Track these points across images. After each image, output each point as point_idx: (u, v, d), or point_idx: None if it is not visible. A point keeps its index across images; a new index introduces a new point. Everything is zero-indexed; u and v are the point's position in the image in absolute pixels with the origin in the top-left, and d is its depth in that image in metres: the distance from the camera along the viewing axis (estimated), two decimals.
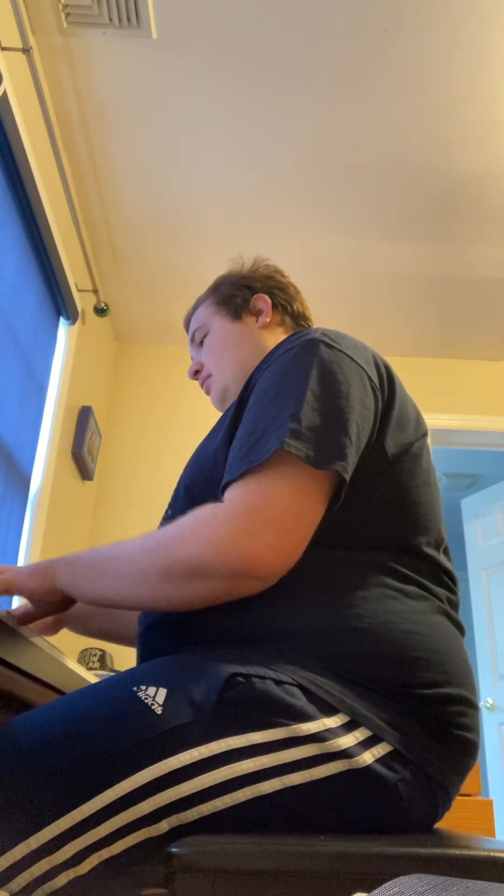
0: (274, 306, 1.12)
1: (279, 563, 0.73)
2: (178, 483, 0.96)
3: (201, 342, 1.14)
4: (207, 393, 1.13)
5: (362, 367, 0.84)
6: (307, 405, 0.78)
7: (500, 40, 2.14)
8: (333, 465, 0.75)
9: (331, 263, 3.10)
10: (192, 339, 1.15)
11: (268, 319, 1.10)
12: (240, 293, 1.12)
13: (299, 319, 1.14)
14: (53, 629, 1.13)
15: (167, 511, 0.96)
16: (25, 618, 0.93)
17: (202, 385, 1.13)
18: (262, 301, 1.11)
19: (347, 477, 0.76)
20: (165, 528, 0.78)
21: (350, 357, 0.84)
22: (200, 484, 0.88)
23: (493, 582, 3.97)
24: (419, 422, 0.91)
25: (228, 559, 0.72)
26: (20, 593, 0.87)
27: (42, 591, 0.86)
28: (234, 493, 0.76)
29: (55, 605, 0.88)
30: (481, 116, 2.39)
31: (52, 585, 0.85)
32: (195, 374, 1.14)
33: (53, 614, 0.92)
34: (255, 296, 1.12)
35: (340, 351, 0.84)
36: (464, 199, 2.73)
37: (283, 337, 1.08)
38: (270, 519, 0.73)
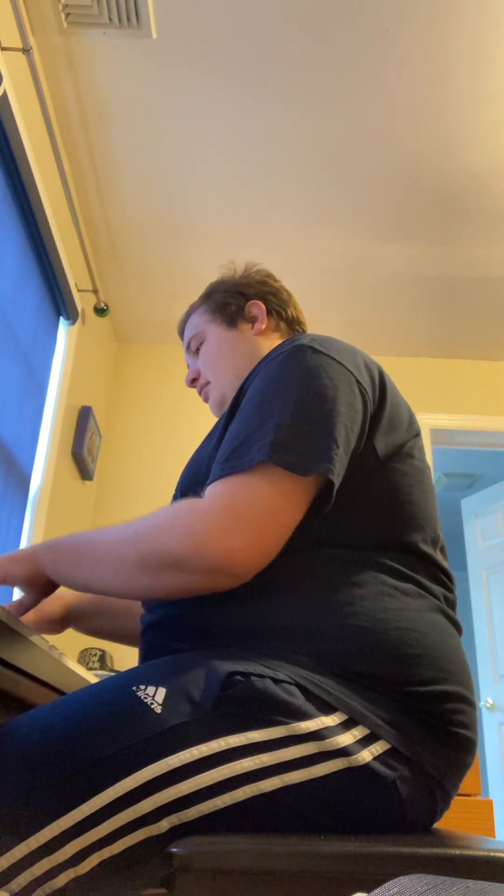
0: (268, 312, 1.12)
1: (254, 561, 0.74)
2: (176, 489, 0.96)
3: (197, 350, 1.14)
4: (206, 400, 1.14)
5: (350, 371, 0.85)
6: (292, 412, 0.79)
7: (500, 40, 2.14)
8: (318, 470, 0.75)
9: (330, 263, 3.10)
10: (188, 347, 1.16)
11: (263, 326, 1.10)
12: (234, 300, 1.13)
13: (294, 324, 1.15)
14: (59, 628, 1.13)
15: None
16: (18, 609, 0.94)
17: (200, 392, 1.14)
18: (257, 307, 1.12)
19: (334, 478, 0.76)
20: (145, 518, 0.79)
21: (337, 361, 0.85)
22: (195, 489, 0.88)
23: (493, 582, 3.97)
24: (412, 422, 0.92)
25: (205, 554, 0.72)
26: (3, 580, 0.87)
27: (25, 576, 0.87)
28: (214, 490, 0.77)
29: (39, 589, 0.89)
30: (481, 116, 2.39)
31: (35, 570, 0.86)
32: (192, 381, 1.15)
33: (41, 599, 0.92)
34: (250, 302, 1.12)
35: (327, 356, 0.85)
36: (464, 200, 2.73)
37: (278, 342, 1.09)
38: (248, 517, 0.74)
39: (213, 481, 0.78)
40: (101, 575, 0.79)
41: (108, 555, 0.79)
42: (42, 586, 0.89)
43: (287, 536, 0.76)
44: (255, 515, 0.74)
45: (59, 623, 1.13)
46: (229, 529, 0.73)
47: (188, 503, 0.77)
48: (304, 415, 0.79)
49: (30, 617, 1.09)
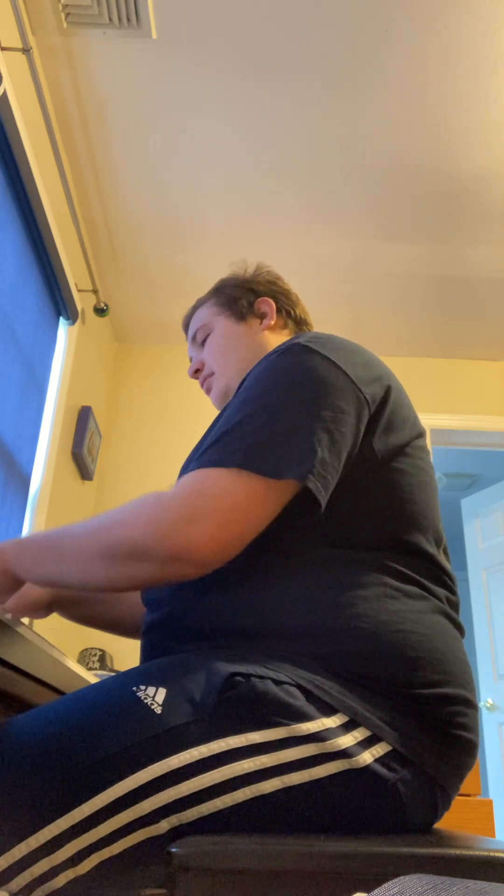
0: (278, 310, 1.13)
1: (215, 553, 0.73)
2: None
3: (203, 342, 1.14)
4: (208, 392, 1.13)
5: (344, 371, 0.84)
6: (273, 413, 0.79)
7: (500, 40, 2.14)
8: (292, 475, 0.75)
9: (331, 263, 3.10)
10: (194, 339, 1.16)
11: (272, 322, 1.11)
12: (244, 296, 1.13)
13: (301, 325, 1.16)
14: (44, 612, 1.13)
15: None
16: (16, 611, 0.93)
17: (202, 384, 1.14)
18: (267, 304, 1.12)
19: (309, 483, 0.75)
20: (110, 511, 0.79)
21: (331, 361, 0.84)
22: None
23: (493, 582, 3.97)
24: (415, 423, 0.91)
25: (166, 542, 0.72)
26: None
27: None
28: (182, 481, 0.77)
29: (6, 587, 0.88)
30: (481, 116, 2.39)
31: (2, 568, 0.85)
32: (195, 372, 1.15)
33: (9, 596, 0.91)
34: (260, 299, 1.13)
35: (321, 354, 0.84)
36: (463, 199, 2.73)
37: (286, 339, 1.09)
38: (211, 508, 0.74)
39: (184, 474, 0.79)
40: (66, 568, 0.78)
41: (71, 548, 0.78)
42: (8, 584, 0.87)
43: (253, 534, 0.76)
44: (218, 506, 0.74)
45: (46, 607, 1.12)
46: (191, 518, 0.73)
47: (154, 494, 0.78)
48: (284, 417, 0.78)
49: (13, 601, 1.09)
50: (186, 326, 1.19)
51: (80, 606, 1.14)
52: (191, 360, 1.17)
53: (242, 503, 0.75)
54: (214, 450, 0.78)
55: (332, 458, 0.78)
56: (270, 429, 0.77)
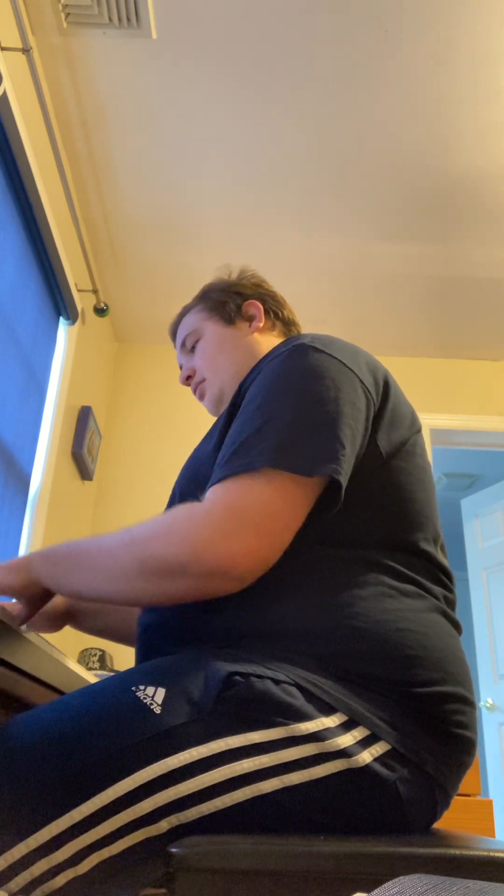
0: (265, 312, 1.13)
1: (255, 565, 0.73)
2: (174, 489, 0.96)
3: (192, 348, 1.14)
4: (201, 398, 1.13)
5: (352, 370, 0.85)
6: (295, 413, 0.79)
7: (500, 40, 2.14)
8: (323, 471, 0.75)
9: (330, 263, 3.10)
10: (183, 346, 1.16)
11: (261, 324, 1.11)
12: (231, 299, 1.14)
13: (289, 326, 1.16)
14: (60, 624, 1.13)
15: None
16: (19, 620, 0.93)
17: (195, 390, 1.14)
18: (255, 307, 1.12)
19: (341, 479, 0.76)
20: (143, 524, 0.79)
21: (339, 360, 0.85)
22: (194, 489, 0.88)
23: (493, 582, 3.97)
24: (413, 419, 0.92)
25: (204, 559, 0.72)
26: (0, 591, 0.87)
27: (20, 586, 0.86)
28: (214, 493, 0.76)
29: (35, 598, 0.88)
30: (481, 116, 2.39)
31: (30, 579, 0.85)
32: (187, 379, 1.15)
33: (38, 610, 0.91)
34: (247, 302, 1.13)
35: (329, 355, 0.85)
36: (463, 199, 2.73)
37: (276, 341, 1.10)
38: (248, 521, 0.73)
39: (212, 484, 0.78)
40: (99, 582, 0.78)
41: (105, 561, 0.78)
42: (37, 595, 0.88)
43: (289, 538, 0.76)
44: (254, 517, 0.73)
45: (61, 618, 1.12)
46: (227, 533, 0.72)
47: (186, 508, 0.77)
48: (306, 416, 0.79)
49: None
50: (174, 334, 1.19)
51: (96, 618, 1.14)
52: (181, 367, 1.17)
53: (277, 509, 0.74)
54: (238, 455, 0.77)
55: (352, 456, 0.79)
56: (294, 428, 0.77)
